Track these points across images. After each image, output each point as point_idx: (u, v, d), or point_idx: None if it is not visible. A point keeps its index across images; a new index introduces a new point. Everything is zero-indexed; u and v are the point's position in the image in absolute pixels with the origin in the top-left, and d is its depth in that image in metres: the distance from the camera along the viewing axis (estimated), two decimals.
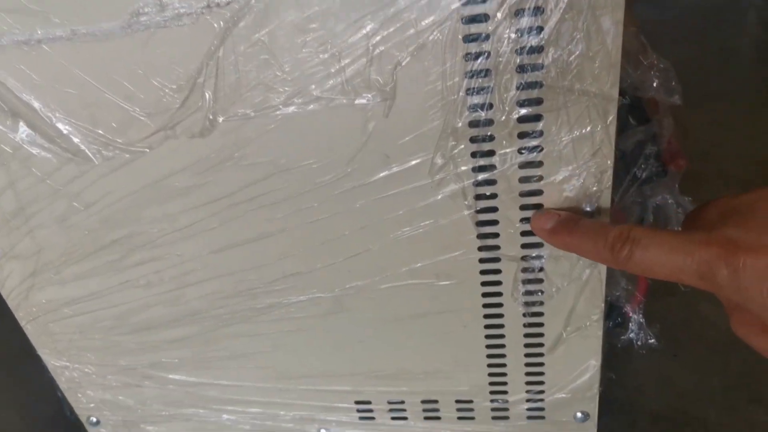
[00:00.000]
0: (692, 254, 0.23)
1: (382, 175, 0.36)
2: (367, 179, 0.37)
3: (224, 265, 0.42)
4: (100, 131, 0.36)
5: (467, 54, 0.31)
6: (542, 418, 0.48)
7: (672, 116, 0.45)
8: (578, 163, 0.34)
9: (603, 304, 0.41)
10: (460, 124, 0.34)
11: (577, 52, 0.30)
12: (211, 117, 0.34)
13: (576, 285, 0.40)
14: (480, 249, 0.39)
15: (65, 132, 0.36)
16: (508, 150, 0.35)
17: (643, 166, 0.42)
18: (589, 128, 0.33)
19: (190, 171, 0.37)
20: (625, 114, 0.41)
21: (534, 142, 0.34)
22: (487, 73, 0.32)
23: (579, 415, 0.47)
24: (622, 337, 0.44)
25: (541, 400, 0.46)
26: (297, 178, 0.37)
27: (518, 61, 0.31)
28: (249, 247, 0.41)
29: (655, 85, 0.38)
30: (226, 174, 0.37)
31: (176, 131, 0.35)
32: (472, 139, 0.34)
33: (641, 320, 0.43)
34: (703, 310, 0.64)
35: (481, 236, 0.38)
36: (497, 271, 0.40)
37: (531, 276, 0.40)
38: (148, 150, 0.37)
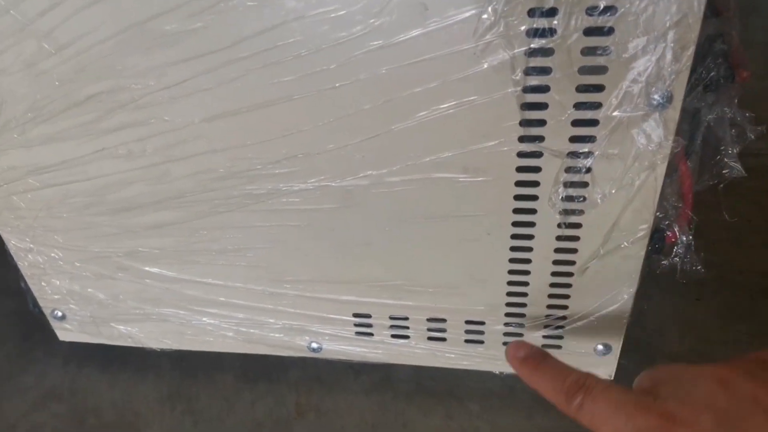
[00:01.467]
0: (633, 419, 0.24)
1: (415, 33, 0.30)
2: (397, 37, 0.30)
3: (219, 137, 0.36)
4: None
5: None
6: (559, 347, 0.43)
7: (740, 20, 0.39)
8: (657, 32, 0.28)
9: (652, 219, 0.36)
10: None
11: None
12: None
13: (625, 192, 0.34)
14: (521, 139, 0.33)
15: None
16: (574, 9, 0.28)
17: (711, 65, 0.36)
18: None
19: (183, 11, 0.31)
20: None
21: (606, 1, 0.28)
22: None
23: (600, 347, 0.42)
24: (664, 263, 0.39)
25: (561, 327, 0.42)
26: (311, 30, 0.31)
27: None
28: (249, 117, 0.35)
29: None
30: (226, 18, 0.31)
31: None
32: None
33: (691, 242, 0.38)
34: (730, 256, 0.60)
35: (524, 123, 0.33)
36: (536, 169, 0.34)
37: (575, 177, 0.34)
38: None
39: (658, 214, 0.40)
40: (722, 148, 0.42)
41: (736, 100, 0.41)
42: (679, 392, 0.24)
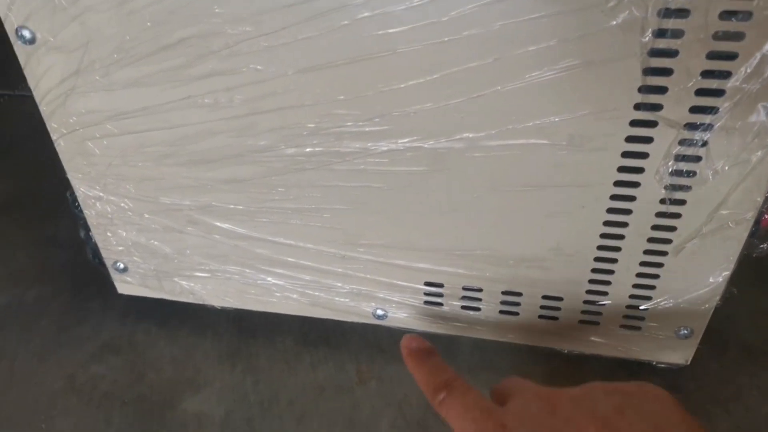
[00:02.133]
0: (476, 421, 0.28)
1: None
2: None
3: (311, 90, 0.34)
4: None
5: None
6: (638, 329, 0.42)
7: None
8: None
9: (762, 200, 0.34)
10: None
11: None
12: None
13: (739, 169, 0.32)
14: (637, 107, 0.31)
15: None
16: None
17: None
18: None
19: None
20: None
21: None
22: None
23: (683, 331, 0.41)
24: (762, 246, 0.37)
25: (645, 310, 0.40)
26: None
27: None
28: (347, 70, 0.33)
29: None
30: None
31: None
32: None
33: None
34: None
35: (644, 89, 0.31)
36: (648, 140, 0.32)
37: (688, 151, 0.32)
38: None
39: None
40: None
41: None
42: (516, 405, 0.29)
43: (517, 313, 0.43)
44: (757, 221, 0.39)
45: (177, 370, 0.48)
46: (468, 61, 0.31)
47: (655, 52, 0.29)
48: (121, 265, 0.48)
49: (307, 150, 0.37)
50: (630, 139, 0.33)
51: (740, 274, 0.40)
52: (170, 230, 0.44)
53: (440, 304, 0.44)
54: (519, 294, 0.42)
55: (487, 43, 0.31)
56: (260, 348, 0.49)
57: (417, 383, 0.33)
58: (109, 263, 0.49)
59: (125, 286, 0.50)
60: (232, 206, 0.41)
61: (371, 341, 0.49)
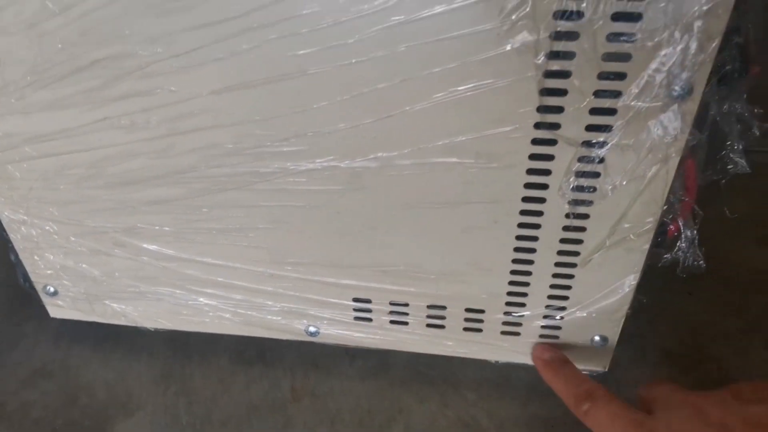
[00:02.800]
0: (626, 431, 0.28)
1: (438, 10, 0.28)
2: (418, 13, 0.29)
3: (227, 111, 0.34)
4: None
5: None
6: (556, 338, 0.42)
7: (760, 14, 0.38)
8: (685, 19, 0.27)
9: (660, 212, 0.34)
10: None
11: None
12: None
13: (636, 184, 0.33)
14: (537, 126, 0.32)
15: None
16: None
17: (727, 58, 0.35)
18: None
19: None
20: None
21: None
22: None
23: (597, 339, 0.41)
24: (665, 257, 0.38)
25: (561, 318, 0.40)
26: (330, 2, 0.29)
27: None
28: (260, 91, 0.32)
29: None
30: None
31: None
32: None
33: (695, 236, 0.37)
34: (724, 251, 0.59)
35: (542, 109, 0.31)
36: (549, 157, 0.33)
37: (587, 167, 0.33)
38: None
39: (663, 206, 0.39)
40: (728, 143, 0.41)
41: (745, 96, 0.40)
42: (666, 414, 0.28)
43: (443, 326, 0.43)
44: (663, 232, 0.40)
45: (110, 394, 0.46)
46: (376, 82, 0.31)
47: (550, 74, 0.30)
48: (51, 289, 0.46)
49: (227, 170, 0.36)
50: (533, 157, 0.33)
51: (662, 280, 0.41)
52: (97, 253, 0.43)
53: (370, 320, 0.43)
54: (443, 307, 0.42)
55: (393, 64, 0.31)
56: (195, 368, 0.47)
57: (556, 393, 0.33)
58: (38, 287, 0.47)
59: (57, 309, 0.48)
60: (157, 227, 0.40)
61: (307, 357, 0.48)
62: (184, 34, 0.31)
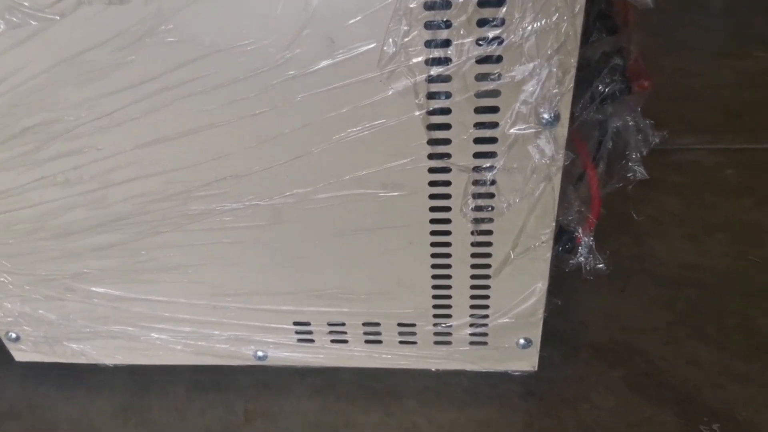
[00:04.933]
0: None
1: (325, 63, 0.32)
2: (308, 68, 0.32)
3: (151, 163, 0.37)
4: None
5: None
6: (485, 344, 0.45)
7: (640, 33, 0.41)
8: (540, 60, 0.30)
9: (554, 224, 0.38)
10: (414, 5, 0.29)
11: None
12: None
13: (528, 201, 0.36)
14: (430, 157, 0.35)
15: None
16: (465, 40, 0.30)
17: (607, 80, 0.39)
18: (554, 18, 0.29)
19: (109, 46, 0.31)
20: (593, 22, 0.37)
21: (494, 32, 0.30)
22: None
23: (522, 341, 0.44)
24: (571, 262, 0.41)
25: (485, 325, 0.43)
26: (229, 62, 0.32)
27: None
28: (178, 143, 0.35)
29: None
30: (150, 52, 0.32)
31: None
32: (427, 25, 0.30)
33: (591, 243, 0.40)
34: (654, 248, 0.63)
35: (431, 142, 0.34)
36: (447, 183, 0.36)
37: (482, 189, 0.36)
38: (58, 17, 0.31)
39: (569, 217, 0.42)
40: (627, 153, 0.44)
41: (639, 108, 0.44)
42: None
43: (380, 341, 0.46)
44: (570, 239, 0.43)
45: (74, 430, 0.48)
46: (280, 128, 0.34)
47: (432, 112, 0.33)
48: (13, 335, 0.49)
49: (159, 215, 0.39)
50: (432, 184, 0.36)
51: (597, 280, 0.44)
52: (51, 299, 0.45)
53: (312, 341, 0.46)
54: (377, 324, 0.45)
55: (293, 112, 0.34)
56: (153, 399, 0.50)
57: None
58: (1, 334, 0.49)
59: (20, 353, 0.50)
60: (102, 272, 0.43)
61: (260, 380, 0.50)
62: (102, 99, 0.34)
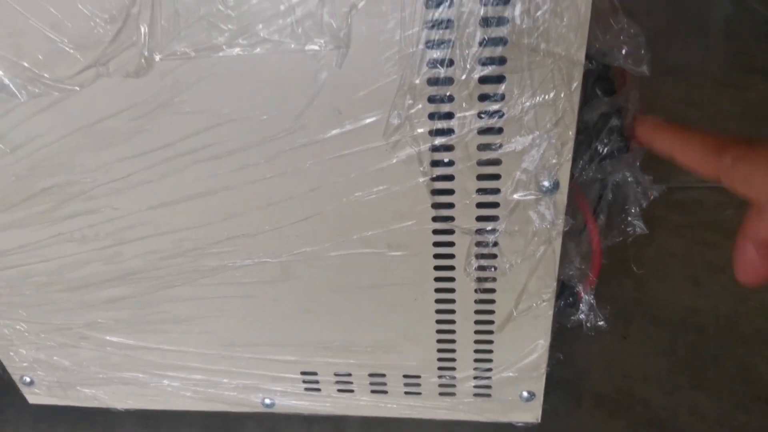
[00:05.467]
0: None
1: (334, 132, 0.32)
2: (317, 136, 0.33)
3: (164, 222, 0.37)
4: (25, 64, 0.31)
5: (428, 1, 0.27)
6: (488, 395, 0.45)
7: (639, 90, 0.42)
8: (539, 132, 0.31)
9: (555, 284, 0.38)
10: (418, 81, 0.30)
11: (545, 7, 0.27)
12: (146, 54, 0.30)
13: (529, 262, 0.37)
14: (434, 219, 0.35)
15: None
16: (467, 113, 0.31)
17: (605, 140, 0.39)
18: (552, 94, 0.30)
19: (126, 115, 0.33)
20: (591, 84, 0.38)
21: (495, 106, 0.30)
22: (448, 24, 0.28)
23: (525, 394, 0.44)
24: (572, 318, 0.41)
25: (489, 377, 0.43)
26: (242, 131, 0.33)
27: (482, 12, 0.27)
28: (191, 204, 0.36)
29: (623, 52, 0.35)
30: (165, 121, 0.33)
31: (109, 68, 0.31)
32: (431, 99, 0.31)
33: (592, 301, 0.40)
34: (656, 291, 0.63)
35: (435, 206, 0.35)
36: (451, 244, 0.36)
37: (484, 251, 0.36)
38: (78, 88, 0.32)
39: (569, 272, 0.43)
40: (627, 207, 0.45)
41: (638, 163, 0.44)
42: None
43: (386, 392, 0.46)
44: (572, 294, 0.43)
45: None
46: (289, 192, 0.35)
47: (436, 178, 0.34)
48: (28, 379, 0.49)
49: (171, 270, 0.40)
50: (437, 245, 0.37)
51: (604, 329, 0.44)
52: (65, 346, 0.46)
53: (318, 390, 0.46)
54: (383, 375, 0.45)
55: (302, 177, 0.34)
56: None
57: (679, 155, 0.25)
58: (15, 378, 0.50)
59: (34, 396, 0.51)
60: (115, 322, 0.43)
61: (267, 426, 0.51)
62: (118, 163, 0.35)
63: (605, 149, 0.40)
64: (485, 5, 0.27)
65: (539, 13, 0.27)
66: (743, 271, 0.26)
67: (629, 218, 0.44)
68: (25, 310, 0.44)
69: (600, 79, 0.39)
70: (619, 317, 0.58)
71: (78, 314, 0.43)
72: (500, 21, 0.27)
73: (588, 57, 0.30)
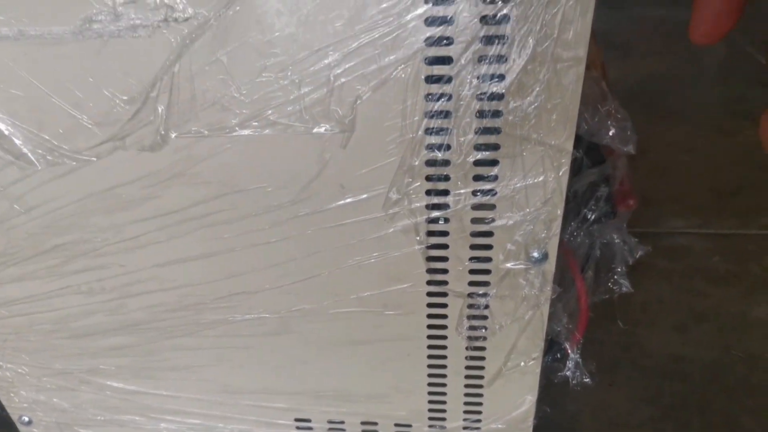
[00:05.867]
0: None
1: (336, 204, 0.34)
2: (320, 207, 0.35)
3: (169, 278, 0.39)
4: (46, 136, 0.33)
5: (428, 94, 0.30)
6: None
7: (627, 157, 0.44)
8: (530, 209, 0.33)
9: (543, 344, 0.40)
10: (416, 162, 0.32)
11: (537, 104, 0.29)
12: (162, 132, 0.32)
13: (518, 324, 0.39)
14: (428, 283, 0.37)
15: (7, 133, 0.33)
16: (462, 191, 0.33)
17: (593, 207, 0.42)
18: (542, 177, 0.32)
19: (139, 184, 0.34)
20: (582, 154, 0.40)
21: (488, 186, 0.32)
22: (447, 114, 0.30)
23: None
24: (559, 374, 0.43)
25: (478, 428, 0.45)
26: (249, 200, 0.35)
27: (478, 106, 0.29)
28: (196, 263, 0.38)
29: (611, 133, 0.37)
30: (177, 190, 0.34)
31: (126, 143, 0.32)
32: (428, 178, 0.33)
33: (578, 359, 0.42)
34: (642, 337, 0.65)
35: (430, 271, 0.37)
36: (444, 305, 0.38)
37: (476, 312, 0.38)
38: (95, 159, 0.33)
39: (557, 329, 0.45)
40: (613, 266, 0.47)
41: (624, 224, 0.46)
42: None
43: None
44: (560, 349, 0.45)
45: None
46: (291, 256, 0.37)
47: (431, 246, 0.36)
48: (26, 419, 0.50)
49: (173, 322, 0.41)
50: (431, 306, 0.38)
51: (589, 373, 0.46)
52: (65, 389, 0.47)
53: None
54: (375, 423, 0.46)
55: (303, 243, 0.36)
56: None
57: None
58: (14, 417, 0.51)
59: None
60: (117, 368, 0.45)
61: None
62: (129, 225, 0.36)
63: (593, 216, 0.42)
64: (481, 100, 0.29)
65: (531, 108, 0.29)
66: (701, 20, 0.22)
67: (615, 277, 0.46)
68: (28, 354, 0.45)
69: (589, 151, 0.42)
70: (607, 364, 0.61)
71: (80, 360, 0.45)
72: (495, 113, 0.30)
73: (577, 136, 0.32)
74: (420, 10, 0.27)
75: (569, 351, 0.43)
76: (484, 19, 0.27)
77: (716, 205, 0.88)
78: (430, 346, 0.41)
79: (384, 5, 0.27)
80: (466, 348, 0.40)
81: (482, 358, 0.41)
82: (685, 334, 0.65)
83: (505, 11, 0.26)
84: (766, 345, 0.62)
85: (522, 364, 0.40)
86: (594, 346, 0.48)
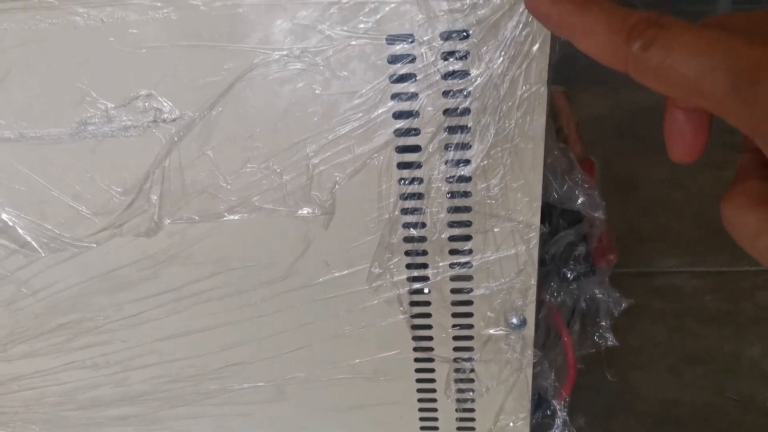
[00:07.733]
0: (739, 54, 0.16)
1: (322, 279, 0.35)
2: (308, 282, 0.35)
3: (169, 351, 0.39)
4: (48, 226, 0.34)
5: (401, 179, 0.30)
6: None
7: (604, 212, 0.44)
8: (505, 279, 0.33)
9: (529, 405, 0.39)
10: (395, 240, 0.32)
11: (502, 185, 0.30)
12: (156, 219, 0.33)
13: (504, 386, 0.38)
14: (415, 349, 0.37)
15: (11, 224, 0.34)
16: (440, 264, 0.33)
17: (572, 266, 0.42)
18: (513, 250, 0.32)
19: (137, 266, 0.35)
20: (557, 217, 0.40)
21: (464, 259, 0.33)
22: (420, 196, 0.31)
23: None
24: (549, 431, 0.43)
25: None
26: (241, 278, 0.35)
27: (448, 188, 0.30)
28: (193, 337, 0.38)
29: (580, 201, 0.38)
30: (172, 270, 0.35)
31: (123, 230, 0.33)
32: (407, 253, 0.33)
33: (566, 417, 0.42)
34: (636, 381, 0.63)
35: (415, 338, 0.37)
36: (431, 370, 0.38)
37: (462, 376, 0.38)
38: (95, 245, 0.34)
39: (544, 385, 0.44)
40: (598, 320, 0.47)
41: (607, 279, 0.46)
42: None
43: None
44: (549, 406, 0.45)
45: None
46: (284, 326, 0.37)
47: (415, 315, 0.36)
48: None
49: (175, 392, 0.41)
50: (419, 371, 0.38)
51: (586, 421, 0.45)
52: None
53: None
54: None
55: (294, 315, 0.36)
56: None
57: (580, 40, 0.19)
58: None
59: None
60: None
61: None
62: (129, 304, 0.37)
63: (572, 275, 0.42)
64: (450, 182, 0.30)
65: (497, 189, 0.30)
66: (675, 143, 0.22)
67: (601, 331, 0.46)
68: (37, 425, 0.45)
69: (564, 212, 0.42)
70: (601, 411, 0.59)
71: (87, 430, 0.45)
72: (464, 194, 0.30)
73: (548, 204, 0.33)
74: (387, 106, 0.28)
75: (557, 408, 0.42)
76: (446, 112, 0.28)
77: (707, 241, 0.87)
78: (421, 409, 0.40)
79: (355, 102, 0.28)
80: (456, 410, 0.40)
81: (472, 419, 0.40)
82: (678, 376, 0.64)
83: (465, 104, 0.27)
84: (759, 386, 0.61)
85: (511, 424, 0.40)
86: (590, 392, 0.47)
